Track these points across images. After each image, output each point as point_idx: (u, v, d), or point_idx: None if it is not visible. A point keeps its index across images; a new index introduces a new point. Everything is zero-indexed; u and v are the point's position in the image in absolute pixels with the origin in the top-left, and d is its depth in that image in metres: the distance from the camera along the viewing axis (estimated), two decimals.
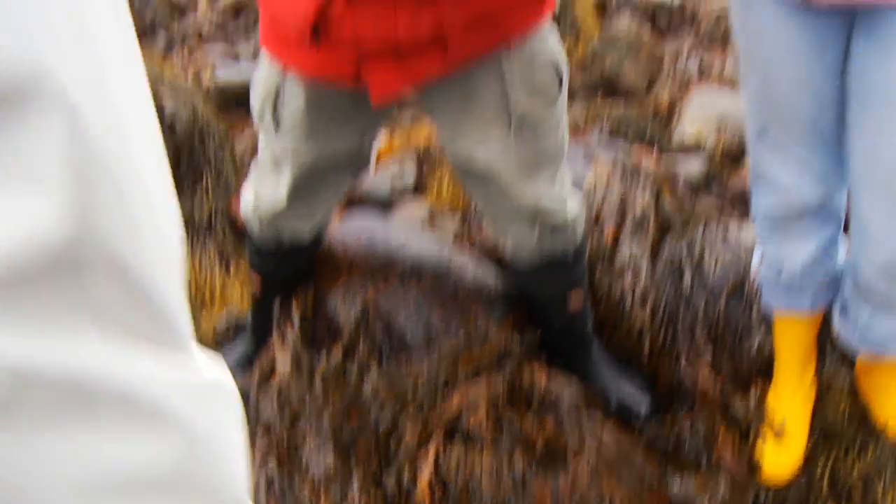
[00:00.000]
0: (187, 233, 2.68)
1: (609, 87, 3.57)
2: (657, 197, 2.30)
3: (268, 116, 1.76)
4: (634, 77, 3.61)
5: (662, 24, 4.06)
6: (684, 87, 3.52)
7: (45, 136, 0.32)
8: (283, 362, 2.00)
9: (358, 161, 1.86)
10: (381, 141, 2.99)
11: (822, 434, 2.06)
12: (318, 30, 1.55)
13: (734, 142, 3.02)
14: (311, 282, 2.15)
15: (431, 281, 2.13)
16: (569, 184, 1.90)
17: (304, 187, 1.86)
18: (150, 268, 0.37)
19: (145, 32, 4.44)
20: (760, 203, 1.89)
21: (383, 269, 2.14)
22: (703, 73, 3.66)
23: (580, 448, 1.88)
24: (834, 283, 1.94)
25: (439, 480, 1.81)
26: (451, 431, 1.88)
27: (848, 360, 2.14)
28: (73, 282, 0.34)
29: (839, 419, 2.07)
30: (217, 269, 2.63)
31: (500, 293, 2.17)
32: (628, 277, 2.23)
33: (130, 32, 0.40)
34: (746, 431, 2.07)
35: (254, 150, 2.64)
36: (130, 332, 0.37)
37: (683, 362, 2.15)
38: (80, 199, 0.33)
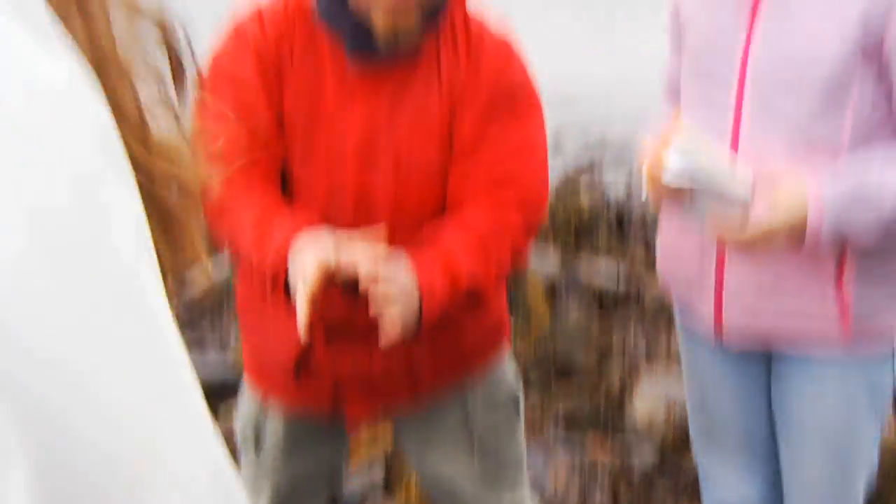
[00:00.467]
0: None
1: (561, 371, 3.77)
2: (614, 491, 2.42)
3: (249, 441, 1.90)
4: (585, 360, 3.83)
5: (609, 306, 4.35)
6: (634, 368, 3.73)
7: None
8: None
9: (333, 479, 1.99)
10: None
11: None
12: (299, 366, 1.72)
13: (685, 423, 3.18)
14: None
15: None
16: (527, 487, 2.02)
17: None
18: None
19: None
20: (709, 500, 2.03)
21: None
22: (650, 354, 3.88)
23: None
24: None
25: None
26: None
27: None
28: None
29: None
30: None
31: None
32: None
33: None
34: None
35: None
36: None
37: None
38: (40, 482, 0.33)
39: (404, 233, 1.62)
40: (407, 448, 1.96)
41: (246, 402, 1.91)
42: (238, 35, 1.69)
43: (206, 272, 4.58)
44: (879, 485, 2.17)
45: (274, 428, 1.85)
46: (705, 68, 1.74)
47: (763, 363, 1.82)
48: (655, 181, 1.67)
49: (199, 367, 3.46)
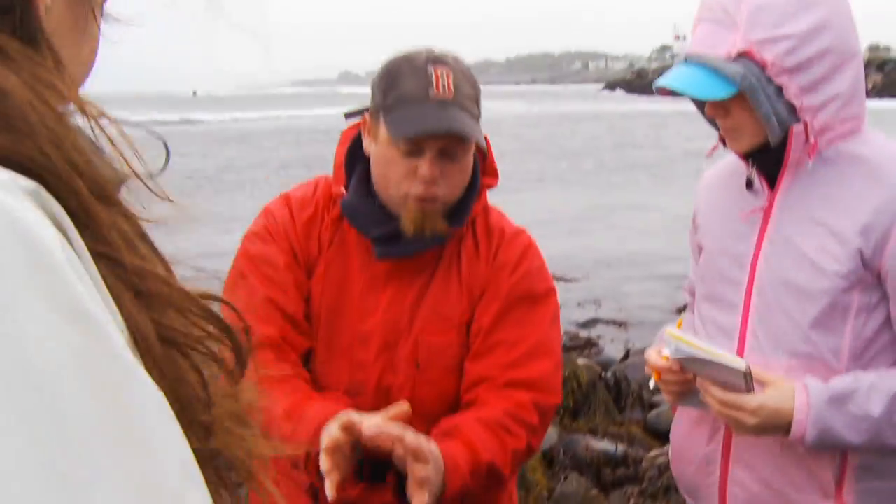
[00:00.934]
0: None
1: None
2: None
3: None
4: None
5: (607, 477, 4.13)
6: None
7: None
8: None
9: None
10: None
11: None
12: None
13: None
14: None
15: None
16: None
17: None
18: None
19: None
20: None
21: None
22: None
23: None
24: None
25: None
26: None
27: None
28: None
29: None
30: None
31: None
32: None
33: None
34: None
35: None
36: None
37: None
38: None
39: (420, 427, 1.59)
40: None
41: None
42: (267, 216, 1.76)
43: None
44: None
45: None
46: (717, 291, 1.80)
47: None
48: (663, 370, 1.75)
49: None
